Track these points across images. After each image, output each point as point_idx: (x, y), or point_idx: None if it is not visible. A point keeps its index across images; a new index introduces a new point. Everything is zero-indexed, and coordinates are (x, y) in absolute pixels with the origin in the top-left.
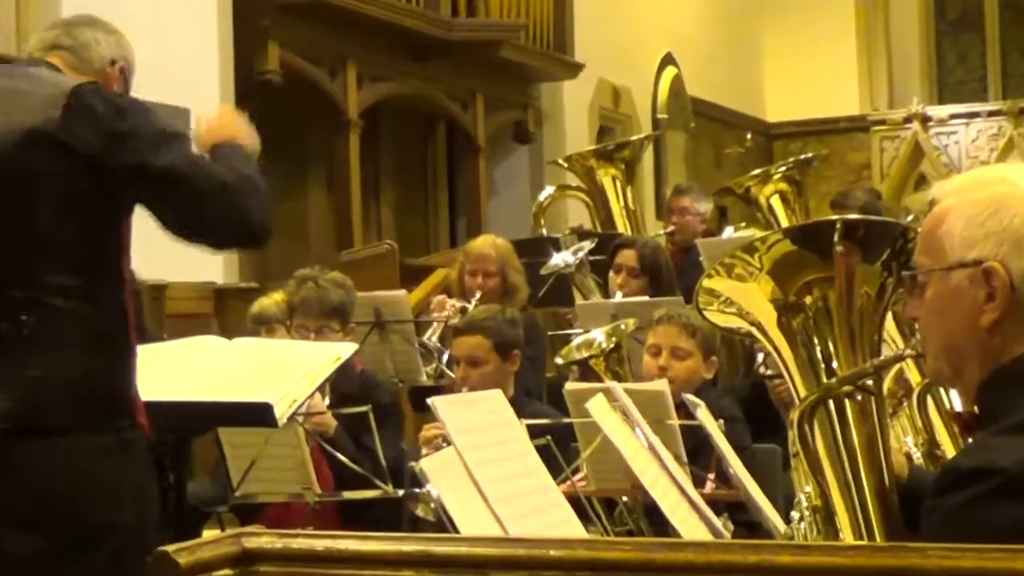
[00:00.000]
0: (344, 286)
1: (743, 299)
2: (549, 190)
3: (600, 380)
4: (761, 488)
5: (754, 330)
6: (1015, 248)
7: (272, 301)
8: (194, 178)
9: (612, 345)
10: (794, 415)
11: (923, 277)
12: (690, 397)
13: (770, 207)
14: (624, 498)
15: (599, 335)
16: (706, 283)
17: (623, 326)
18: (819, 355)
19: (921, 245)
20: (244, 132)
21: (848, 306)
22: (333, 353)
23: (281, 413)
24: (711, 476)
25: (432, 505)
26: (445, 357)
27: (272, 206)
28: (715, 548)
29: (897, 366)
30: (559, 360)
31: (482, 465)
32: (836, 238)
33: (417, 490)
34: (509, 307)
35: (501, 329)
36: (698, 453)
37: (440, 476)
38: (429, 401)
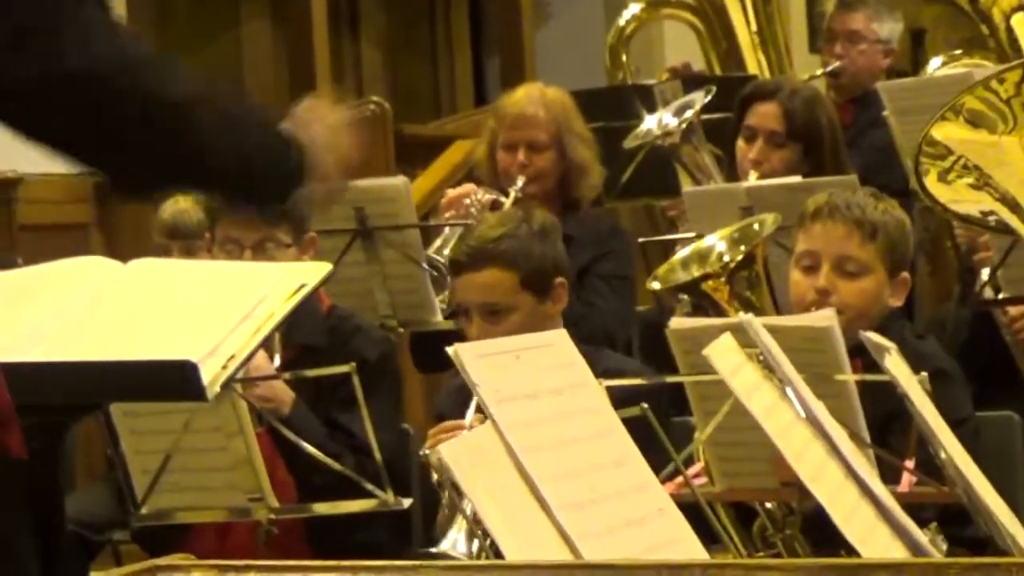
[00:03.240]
0: None
1: (989, 159)
2: (634, 9)
3: (723, 313)
4: (992, 481)
5: (1004, 211)
6: None
7: (191, 203)
8: None
9: (742, 256)
10: None
11: None
12: (872, 337)
13: (1008, 28)
14: (768, 504)
15: (720, 242)
16: (935, 132)
17: (757, 226)
18: None
19: None
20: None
21: None
22: (291, 280)
23: (211, 378)
24: (910, 464)
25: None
26: None
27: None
28: (918, 573)
29: None
30: (655, 285)
31: (539, 451)
32: None
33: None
34: (586, 198)
35: (527, 251)
36: (888, 427)
37: (470, 470)
38: (450, 351)
